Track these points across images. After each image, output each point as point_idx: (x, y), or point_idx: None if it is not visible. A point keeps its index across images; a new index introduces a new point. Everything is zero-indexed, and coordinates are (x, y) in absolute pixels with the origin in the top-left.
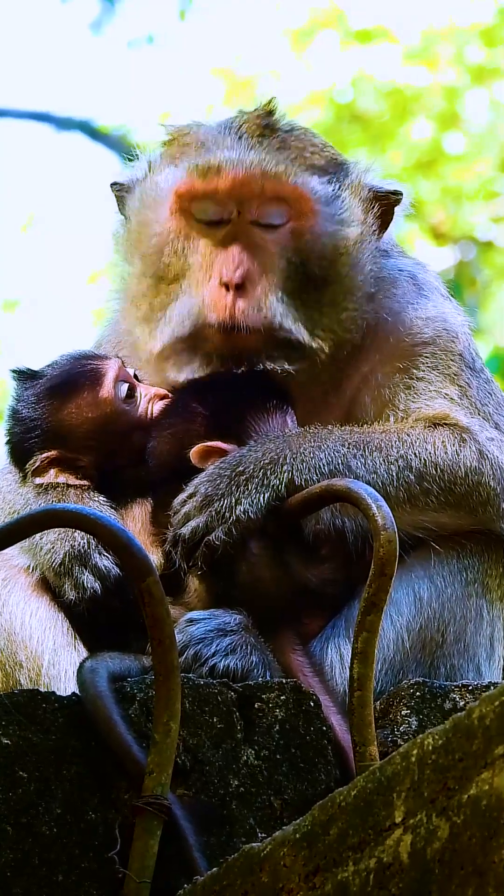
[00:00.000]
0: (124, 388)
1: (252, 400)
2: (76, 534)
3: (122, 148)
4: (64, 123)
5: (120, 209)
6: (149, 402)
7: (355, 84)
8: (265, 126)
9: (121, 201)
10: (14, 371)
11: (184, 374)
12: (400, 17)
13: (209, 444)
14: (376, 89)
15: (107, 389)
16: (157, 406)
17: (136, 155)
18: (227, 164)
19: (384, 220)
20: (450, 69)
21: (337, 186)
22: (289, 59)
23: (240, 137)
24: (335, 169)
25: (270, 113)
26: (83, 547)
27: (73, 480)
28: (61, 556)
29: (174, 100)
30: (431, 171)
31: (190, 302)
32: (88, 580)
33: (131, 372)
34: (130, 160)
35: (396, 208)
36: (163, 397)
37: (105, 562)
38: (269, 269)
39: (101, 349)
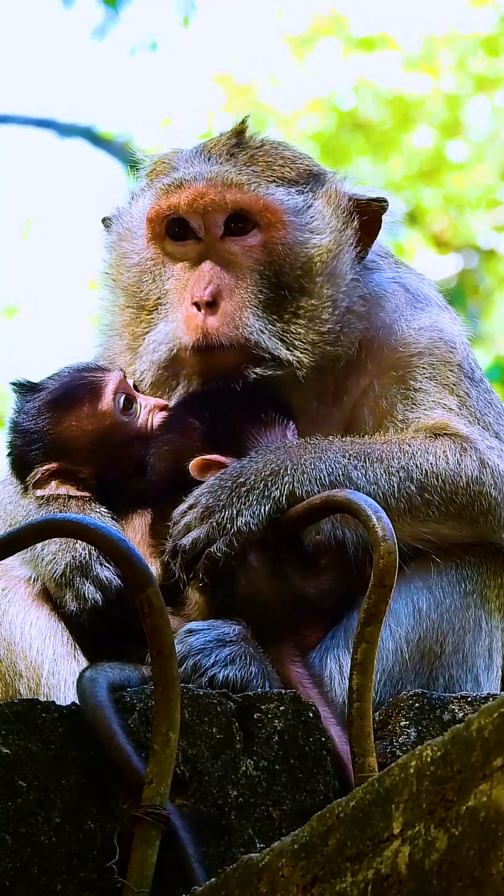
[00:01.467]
0: (123, 399)
1: (251, 413)
2: (77, 545)
3: (124, 154)
4: (66, 130)
5: (106, 240)
6: (149, 414)
7: (357, 91)
8: (234, 145)
9: (107, 233)
10: (14, 384)
11: (173, 399)
12: (402, 24)
13: (208, 457)
14: (378, 97)
15: (106, 402)
16: (158, 417)
17: (136, 171)
18: (188, 179)
19: (371, 229)
20: (451, 77)
21: (309, 196)
22: (290, 66)
23: (208, 158)
24: (307, 179)
25: (241, 132)
26: (84, 558)
27: (73, 492)
28: (62, 566)
29: (176, 106)
30: (433, 179)
31: (166, 327)
32: (90, 591)
33: (132, 383)
34: (133, 174)
35: (384, 216)
36: (162, 408)
37: (106, 572)
38: (241, 283)
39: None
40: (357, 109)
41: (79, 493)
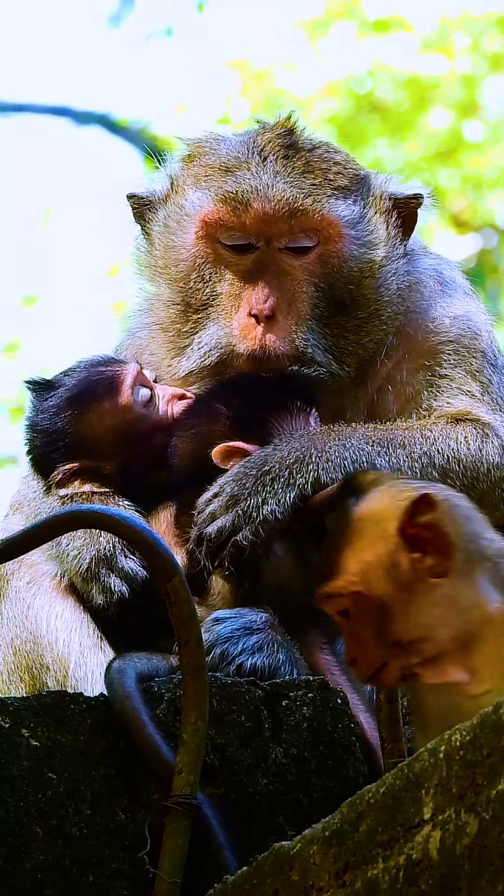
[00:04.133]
0: (142, 392)
1: (275, 401)
2: (101, 538)
3: (141, 141)
4: (83, 117)
5: (137, 220)
6: (167, 404)
7: (372, 74)
8: (288, 146)
9: (138, 213)
10: (29, 382)
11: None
12: (415, 6)
13: (231, 444)
14: (394, 79)
15: (125, 396)
16: (177, 407)
17: (157, 162)
18: (255, 199)
19: (407, 223)
20: (466, 57)
21: (361, 206)
22: (305, 51)
23: (263, 160)
24: (357, 186)
25: (292, 131)
26: (109, 550)
27: (97, 489)
28: (87, 560)
29: (191, 93)
30: (451, 160)
31: (219, 332)
32: (115, 583)
33: (149, 375)
34: (150, 161)
35: (419, 210)
36: (181, 397)
37: (131, 564)
38: (297, 297)
39: (120, 356)
40: (373, 92)
41: (102, 490)
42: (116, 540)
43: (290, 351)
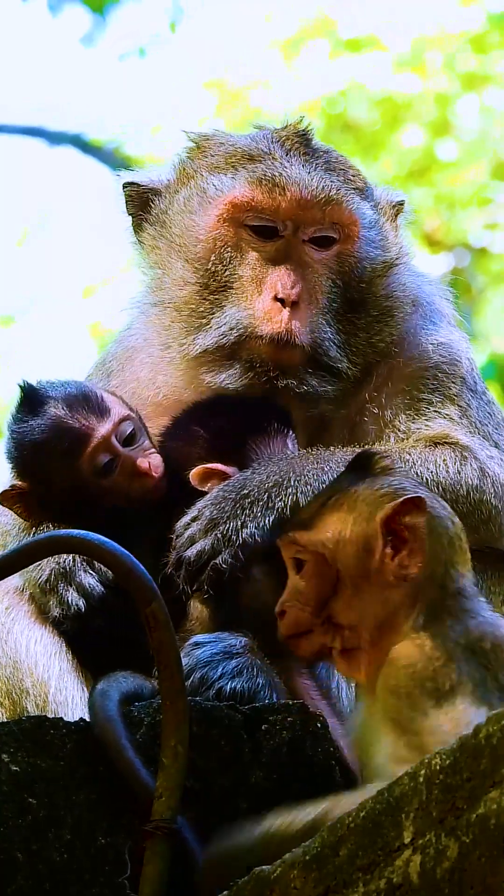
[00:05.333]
0: (104, 459)
1: (253, 423)
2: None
3: (115, 161)
4: (56, 138)
5: (131, 209)
6: (127, 478)
7: (346, 93)
8: (305, 144)
9: (135, 202)
10: (21, 387)
11: (220, 378)
12: (390, 25)
13: (209, 466)
14: (368, 98)
15: (84, 462)
16: (137, 482)
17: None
18: (293, 184)
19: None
20: (441, 76)
21: (374, 207)
22: (280, 70)
23: (287, 153)
24: (366, 189)
25: (305, 134)
26: (69, 565)
27: (23, 518)
28: (47, 573)
29: (165, 113)
30: (424, 179)
31: (239, 314)
32: (73, 597)
33: (128, 429)
34: (122, 169)
35: (399, 217)
36: (144, 473)
37: (90, 579)
38: (317, 289)
39: (104, 366)
40: (347, 111)
41: (25, 522)
42: (77, 555)
43: (310, 340)
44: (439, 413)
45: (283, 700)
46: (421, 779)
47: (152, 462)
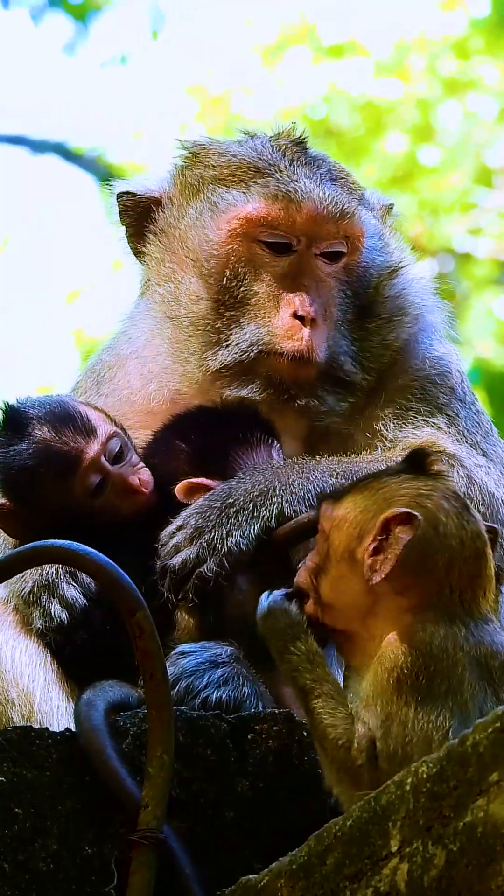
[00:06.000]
0: (95, 479)
1: (236, 434)
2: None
3: (97, 169)
4: (39, 146)
5: (125, 219)
6: (118, 497)
7: (328, 99)
8: (304, 152)
9: (128, 212)
10: (4, 410)
11: (239, 392)
12: (371, 30)
13: (194, 480)
14: (349, 103)
15: (77, 481)
16: (127, 501)
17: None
18: (308, 200)
19: None
20: (422, 81)
21: (375, 216)
22: (261, 76)
23: (291, 163)
24: (363, 196)
25: (301, 140)
26: (52, 576)
27: (8, 535)
28: (30, 584)
29: (148, 119)
30: (407, 185)
31: (259, 330)
32: (56, 609)
33: (116, 447)
34: (107, 181)
35: (388, 220)
36: (135, 490)
37: (72, 591)
38: (330, 304)
39: (93, 374)
40: (328, 117)
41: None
42: (61, 566)
43: (328, 355)
44: (426, 422)
45: (270, 709)
46: (408, 787)
47: (142, 478)
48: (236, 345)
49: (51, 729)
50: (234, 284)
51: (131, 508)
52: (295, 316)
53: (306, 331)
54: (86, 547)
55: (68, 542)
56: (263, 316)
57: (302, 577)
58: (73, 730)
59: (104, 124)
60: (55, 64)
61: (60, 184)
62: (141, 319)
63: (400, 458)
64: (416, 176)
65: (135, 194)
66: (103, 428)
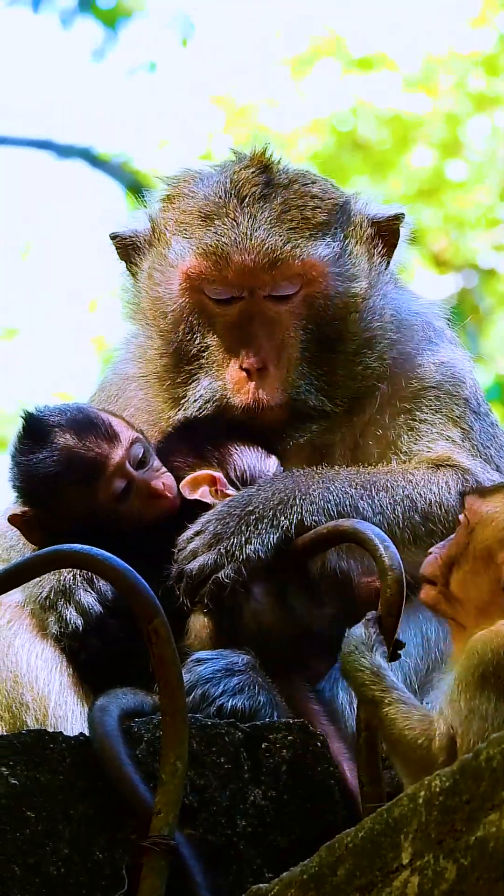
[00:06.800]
0: (120, 485)
1: (232, 429)
2: (63, 570)
3: (123, 175)
4: (65, 151)
5: (121, 258)
6: (143, 502)
7: (356, 112)
8: (265, 184)
9: (122, 252)
10: (26, 417)
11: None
12: (400, 44)
13: (197, 473)
14: (377, 117)
15: (102, 486)
16: (151, 507)
17: (139, 198)
18: (235, 252)
19: (390, 245)
20: (450, 97)
21: (341, 238)
22: (289, 87)
23: (241, 201)
24: (337, 216)
25: (267, 167)
26: (69, 582)
27: (29, 541)
28: (47, 590)
29: (174, 127)
30: (433, 199)
31: (212, 385)
32: (71, 615)
33: (139, 452)
34: (132, 195)
35: (401, 229)
36: (160, 495)
37: (88, 598)
38: (286, 343)
39: (104, 392)
40: (356, 130)
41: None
42: (78, 573)
43: (284, 400)
44: (441, 435)
45: (285, 718)
46: (420, 800)
47: (166, 482)
48: (193, 401)
49: (65, 733)
50: (188, 339)
51: (155, 513)
52: (242, 368)
53: (252, 384)
54: (104, 552)
55: (87, 546)
56: (216, 370)
57: (432, 566)
58: (86, 734)
59: (130, 131)
60: (83, 69)
61: (85, 189)
62: (129, 348)
63: (416, 471)
64: (443, 190)
65: (122, 237)
66: (126, 433)
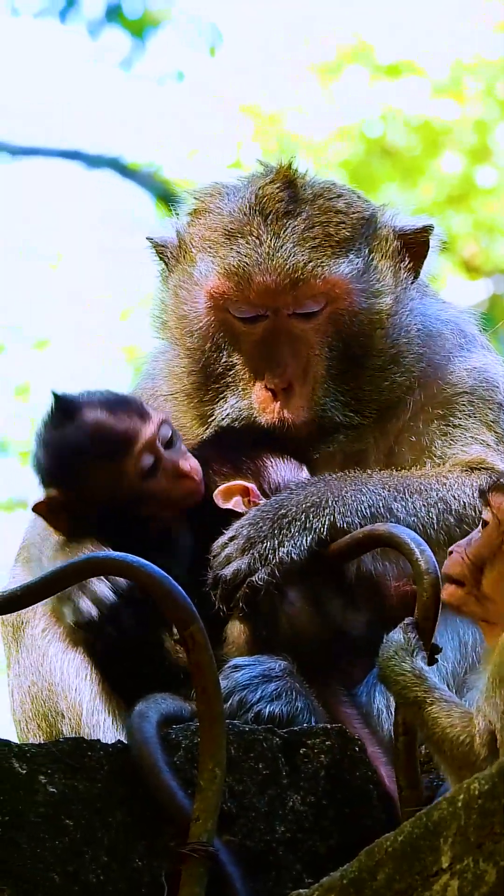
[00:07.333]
0: (150, 463)
1: (266, 439)
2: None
3: (153, 185)
4: (94, 161)
5: (158, 259)
6: (170, 481)
7: (384, 118)
8: (289, 199)
9: (159, 254)
10: (55, 397)
11: None
12: (428, 50)
13: (230, 484)
14: (406, 123)
15: (129, 462)
16: (179, 487)
17: (172, 202)
18: (257, 272)
19: (418, 257)
20: (478, 103)
21: (366, 253)
22: (317, 95)
23: (265, 218)
24: (362, 230)
25: (292, 182)
26: None
27: (55, 530)
28: None
29: (203, 136)
30: (463, 205)
31: (239, 404)
32: (86, 605)
33: (168, 433)
34: (162, 205)
35: (431, 240)
36: (186, 475)
37: (103, 588)
38: (311, 361)
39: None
40: (385, 136)
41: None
42: None
43: (309, 418)
44: (475, 439)
45: (322, 723)
46: (459, 803)
47: (192, 465)
48: (220, 420)
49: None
50: (214, 357)
51: (181, 495)
52: (267, 388)
53: (277, 404)
54: (140, 559)
55: (123, 553)
56: (242, 389)
57: (460, 566)
58: (123, 742)
59: (160, 140)
60: (111, 79)
61: (116, 199)
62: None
63: (450, 474)
64: (472, 196)
65: (157, 242)
66: (156, 413)
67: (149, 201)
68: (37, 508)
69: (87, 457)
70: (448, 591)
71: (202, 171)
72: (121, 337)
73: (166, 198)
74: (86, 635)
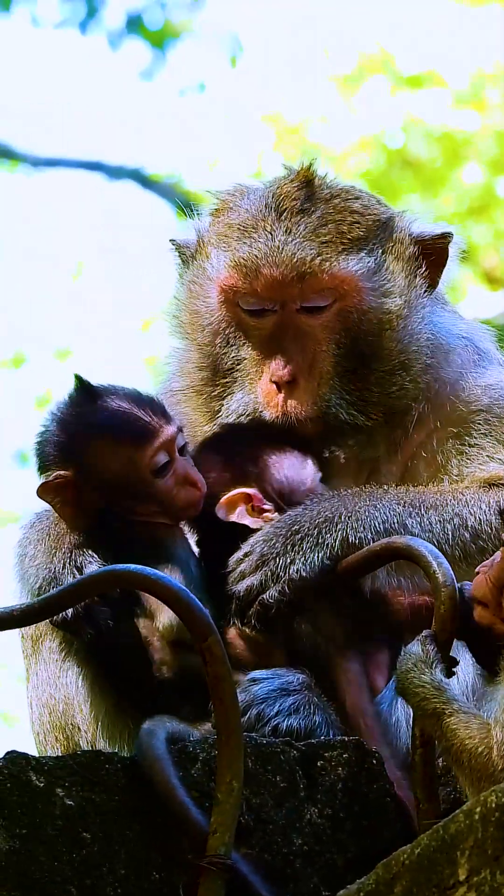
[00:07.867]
0: (162, 462)
1: (266, 439)
2: (54, 559)
3: (174, 195)
4: (115, 172)
5: (181, 258)
6: (176, 486)
7: (405, 129)
8: (305, 198)
9: (181, 257)
10: (77, 380)
11: None
12: (449, 61)
13: (232, 493)
14: (427, 134)
15: (145, 455)
16: (183, 492)
17: (192, 210)
18: (265, 265)
19: (436, 265)
20: (499, 113)
21: (379, 253)
22: (338, 105)
23: (279, 215)
24: (376, 232)
25: (310, 181)
26: (57, 571)
27: (60, 513)
28: (40, 580)
29: (225, 147)
30: (484, 216)
31: (245, 399)
32: None
33: (183, 441)
34: (183, 216)
35: (450, 248)
36: (193, 483)
37: None
38: (318, 357)
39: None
40: (406, 147)
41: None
42: (68, 561)
43: (314, 413)
44: (492, 458)
45: (340, 737)
46: (476, 816)
47: (199, 477)
48: (227, 415)
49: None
50: (224, 352)
51: (184, 502)
52: (272, 381)
53: (281, 396)
54: (159, 572)
55: (141, 567)
56: (249, 383)
57: (483, 588)
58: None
59: (181, 151)
60: (132, 90)
61: (136, 210)
62: (174, 368)
63: (466, 490)
64: (493, 207)
65: (181, 245)
66: (176, 419)
67: (170, 212)
68: (44, 487)
69: (107, 437)
70: (478, 613)
71: (224, 181)
72: (142, 347)
73: (187, 208)
74: (65, 635)
